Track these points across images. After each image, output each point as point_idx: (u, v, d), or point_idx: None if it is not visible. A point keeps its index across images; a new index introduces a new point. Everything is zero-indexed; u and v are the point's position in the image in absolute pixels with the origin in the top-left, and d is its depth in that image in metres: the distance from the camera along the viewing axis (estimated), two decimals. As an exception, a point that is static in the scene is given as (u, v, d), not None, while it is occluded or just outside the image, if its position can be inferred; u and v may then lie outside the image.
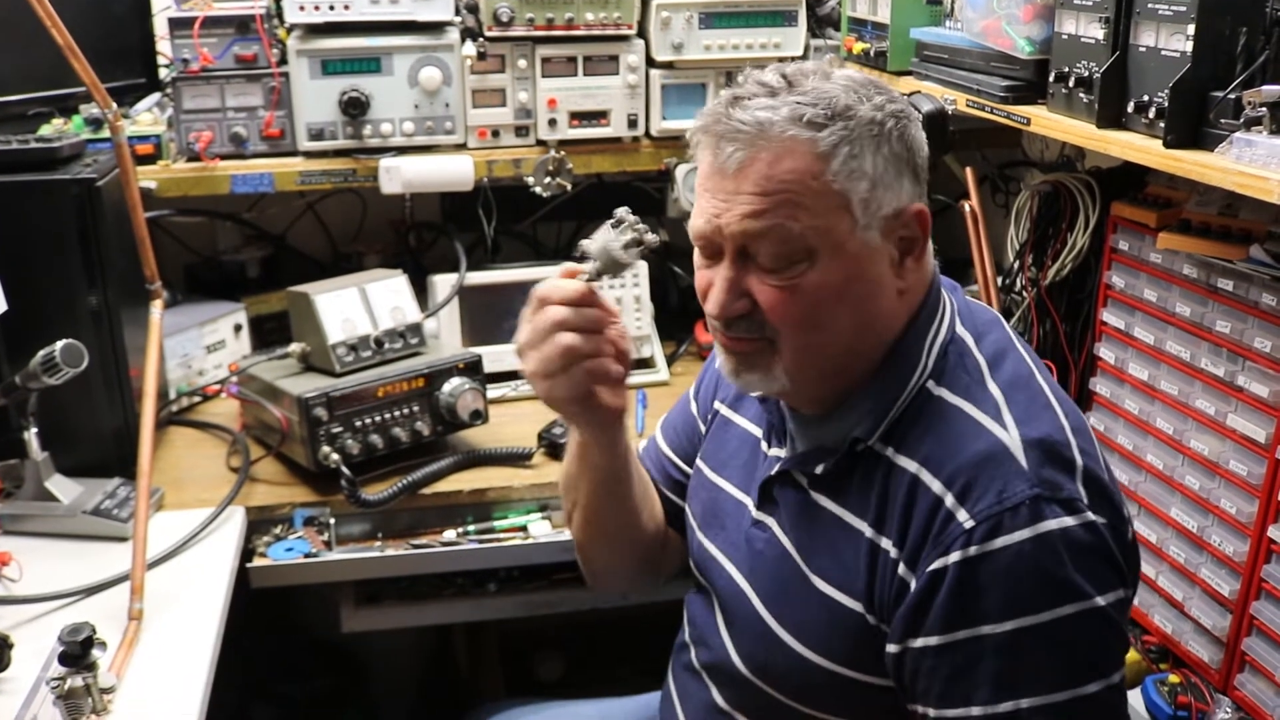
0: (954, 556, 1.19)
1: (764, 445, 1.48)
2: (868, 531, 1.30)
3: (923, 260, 1.34)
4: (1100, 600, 1.19)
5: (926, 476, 1.25)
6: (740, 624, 1.45)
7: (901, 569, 1.25)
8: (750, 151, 1.24)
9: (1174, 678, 1.67)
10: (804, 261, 1.25)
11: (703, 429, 1.64)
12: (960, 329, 1.36)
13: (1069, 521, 1.19)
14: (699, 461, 1.61)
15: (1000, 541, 1.18)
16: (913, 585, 1.23)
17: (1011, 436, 1.24)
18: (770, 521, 1.43)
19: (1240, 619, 1.61)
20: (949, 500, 1.22)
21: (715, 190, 1.27)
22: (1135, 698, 1.69)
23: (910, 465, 1.27)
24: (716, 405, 1.60)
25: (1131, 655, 1.77)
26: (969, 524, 1.19)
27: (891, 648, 1.26)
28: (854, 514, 1.32)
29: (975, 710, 1.19)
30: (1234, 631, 1.63)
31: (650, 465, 1.70)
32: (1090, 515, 1.21)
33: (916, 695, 1.25)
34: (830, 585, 1.33)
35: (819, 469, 1.36)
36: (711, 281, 1.31)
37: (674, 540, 1.68)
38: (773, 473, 1.42)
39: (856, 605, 1.30)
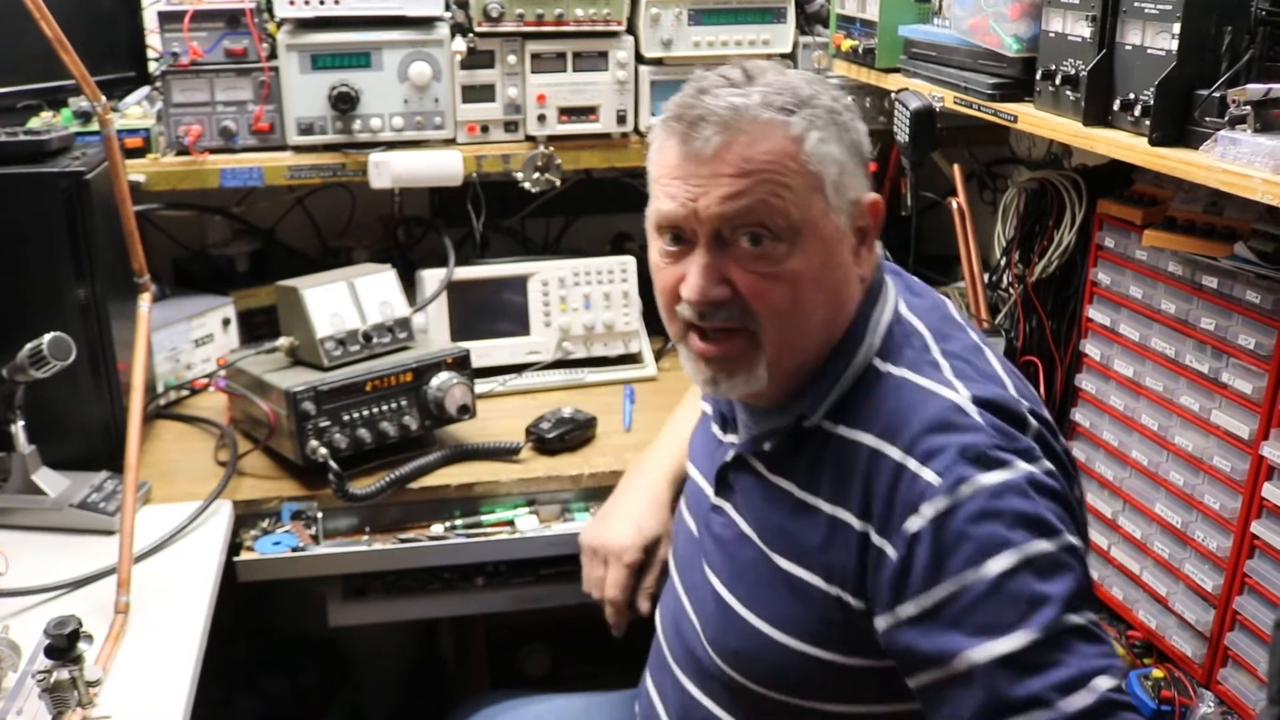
0: (928, 512, 1.21)
1: (717, 430, 1.52)
2: (825, 507, 1.32)
3: (873, 249, 1.38)
4: (1069, 538, 1.21)
5: (885, 446, 1.27)
6: (706, 611, 1.46)
7: (874, 538, 1.26)
8: (727, 135, 1.25)
9: (1158, 672, 1.68)
10: (785, 243, 1.27)
11: None
12: (905, 310, 1.39)
13: (1030, 467, 1.22)
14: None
15: (968, 489, 1.20)
16: (891, 553, 1.24)
17: (962, 396, 1.27)
18: (727, 506, 1.45)
19: (1223, 614, 1.62)
20: (911, 464, 1.24)
21: (688, 176, 1.28)
22: (1119, 692, 1.70)
23: (866, 439, 1.29)
24: None
25: (1116, 649, 1.78)
26: (936, 480, 1.21)
27: (880, 621, 1.25)
28: (809, 491, 1.34)
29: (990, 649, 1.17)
30: (1217, 626, 1.64)
31: None
32: (1047, 464, 1.25)
33: (919, 661, 1.22)
34: (790, 561, 1.34)
35: (767, 446, 1.39)
36: (681, 275, 1.31)
37: None
38: (728, 459, 1.45)
39: (817, 579, 1.31)
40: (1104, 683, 1.14)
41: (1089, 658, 1.16)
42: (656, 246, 1.36)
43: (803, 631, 1.34)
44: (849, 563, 1.28)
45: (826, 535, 1.31)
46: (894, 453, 1.26)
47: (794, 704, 1.37)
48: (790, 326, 1.31)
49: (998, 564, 1.17)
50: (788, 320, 1.30)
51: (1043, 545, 1.18)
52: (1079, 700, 1.13)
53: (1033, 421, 1.28)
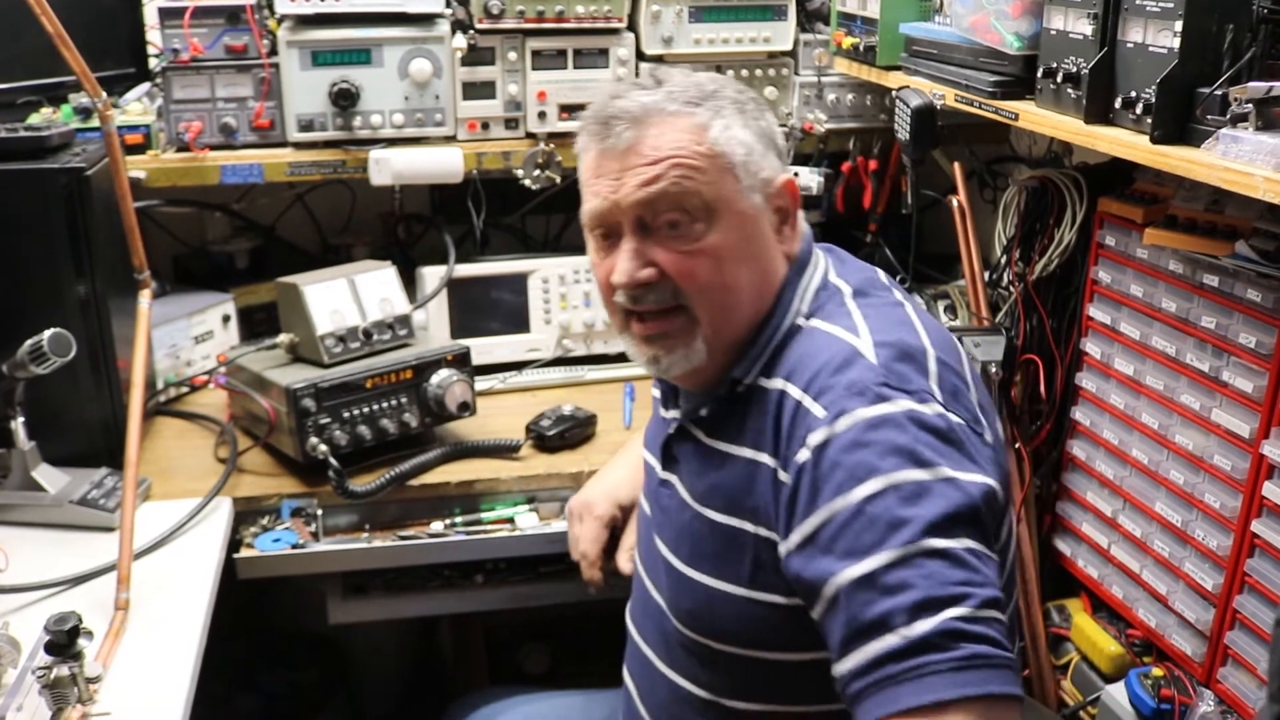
0: (812, 443, 1.25)
1: (662, 410, 1.59)
2: (747, 453, 1.37)
3: (796, 227, 1.46)
4: (948, 470, 1.20)
5: (790, 388, 1.33)
6: (662, 582, 1.51)
7: (780, 474, 1.31)
8: (638, 130, 1.36)
9: (1157, 671, 1.68)
10: (702, 222, 1.36)
11: None
12: (832, 275, 1.46)
13: (914, 405, 1.24)
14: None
15: (846, 421, 1.24)
16: (787, 484, 1.28)
17: (863, 340, 1.32)
18: (673, 479, 1.51)
19: (1223, 613, 1.62)
20: (807, 401, 1.29)
21: (607, 172, 1.37)
22: (1119, 691, 1.70)
23: (777, 384, 1.35)
24: None
25: (1115, 648, 1.79)
26: (822, 414, 1.26)
27: (782, 548, 1.29)
28: (734, 443, 1.40)
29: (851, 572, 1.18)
30: (1217, 625, 1.64)
31: None
32: (940, 408, 1.25)
33: (806, 591, 1.25)
34: (721, 513, 1.40)
35: (704, 411, 1.44)
36: (612, 265, 1.39)
37: None
38: (671, 431, 1.51)
39: (746, 524, 1.36)
40: (954, 611, 1.12)
41: (944, 584, 1.14)
42: (591, 245, 1.44)
43: (740, 578, 1.37)
44: (768, 500, 1.33)
45: (748, 478, 1.36)
46: (795, 392, 1.32)
47: (751, 656, 1.39)
48: (719, 300, 1.37)
49: (864, 489, 1.20)
50: (716, 294, 1.37)
51: (914, 474, 1.19)
52: (922, 625, 1.12)
53: (934, 368, 1.30)
